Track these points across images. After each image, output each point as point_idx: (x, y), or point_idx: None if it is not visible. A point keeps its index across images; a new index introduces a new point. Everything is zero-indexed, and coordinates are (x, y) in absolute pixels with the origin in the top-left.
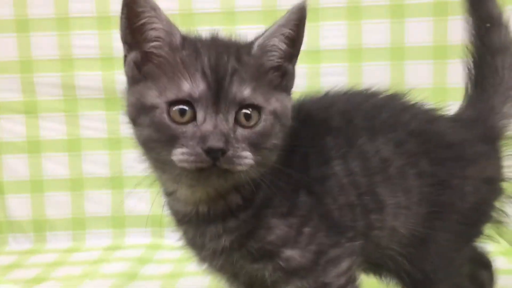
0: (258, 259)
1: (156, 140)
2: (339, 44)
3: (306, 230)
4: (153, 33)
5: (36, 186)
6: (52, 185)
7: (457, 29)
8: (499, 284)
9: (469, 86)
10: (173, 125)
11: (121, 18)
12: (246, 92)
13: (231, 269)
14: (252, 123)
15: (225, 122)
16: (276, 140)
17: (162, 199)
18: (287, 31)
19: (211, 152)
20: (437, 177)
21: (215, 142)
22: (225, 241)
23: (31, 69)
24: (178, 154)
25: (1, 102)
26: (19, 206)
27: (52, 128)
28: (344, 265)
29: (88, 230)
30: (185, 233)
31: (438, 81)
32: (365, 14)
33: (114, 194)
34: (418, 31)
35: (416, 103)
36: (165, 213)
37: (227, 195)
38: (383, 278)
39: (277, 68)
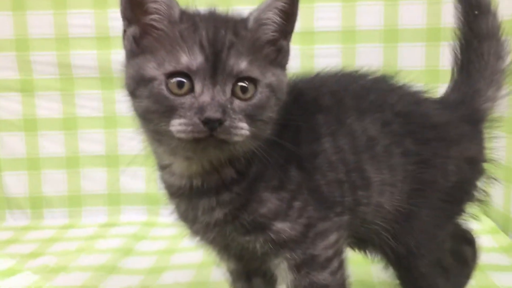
0: (250, 231)
1: (154, 112)
2: (333, 26)
3: (296, 204)
4: (153, 5)
5: (33, 163)
6: (48, 163)
7: (450, 12)
8: (484, 261)
9: (455, 70)
10: (171, 97)
11: None
12: (243, 65)
13: (223, 241)
14: (248, 95)
15: (222, 94)
16: (271, 113)
17: (156, 174)
18: (281, 4)
19: (208, 122)
20: (421, 156)
21: (213, 113)
22: (218, 213)
23: (28, 48)
24: (176, 125)
25: None
26: (16, 183)
27: (48, 106)
28: (332, 238)
29: (84, 207)
30: (178, 207)
31: (430, 63)
32: None
33: (109, 172)
34: (412, 14)
35: (404, 85)
36: (160, 189)
37: (222, 168)
38: (368, 253)
39: (273, 42)
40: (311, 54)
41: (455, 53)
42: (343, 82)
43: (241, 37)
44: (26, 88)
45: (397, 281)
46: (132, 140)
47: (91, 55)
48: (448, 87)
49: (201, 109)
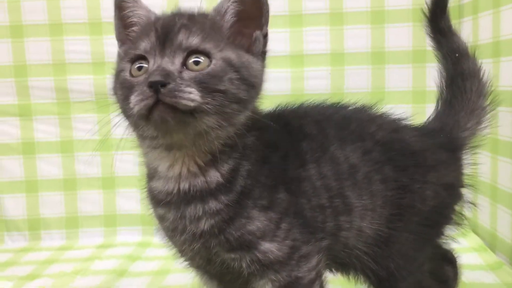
0: (235, 248)
1: (123, 99)
2: (322, 49)
3: (283, 225)
4: (135, 20)
5: (31, 186)
6: (46, 185)
7: None
8: (471, 279)
9: (439, 103)
10: (132, 79)
11: (114, 19)
12: (193, 40)
13: (206, 255)
14: (201, 66)
15: (170, 63)
16: (234, 89)
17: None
18: None
19: (152, 86)
20: (400, 182)
21: (155, 76)
22: (205, 224)
23: (26, 73)
24: (133, 101)
25: None
26: (15, 206)
27: (45, 130)
28: (314, 261)
29: (81, 229)
30: (164, 219)
31: (417, 84)
32: (347, 20)
33: (106, 194)
34: (398, 36)
35: (383, 113)
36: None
37: (206, 170)
38: (351, 277)
39: (238, 30)
40: (301, 76)
41: (440, 88)
42: (325, 112)
43: (196, 21)
44: (24, 113)
45: None
46: (127, 162)
47: (87, 80)
48: (430, 116)
49: (147, 79)
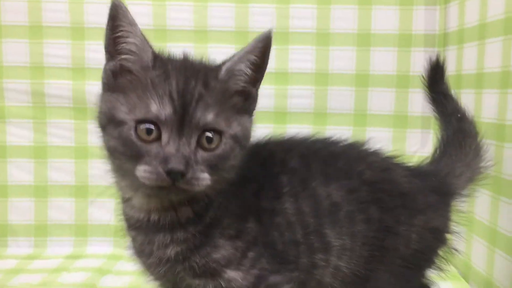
0: (200, 275)
1: (122, 153)
2: (307, 68)
3: (250, 254)
4: (126, 46)
5: (0, 191)
6: (16, 190)
7: (420, 60)
8: None
9: (438, 152)
10: (139, 143)
11: (106, 28)
12: (209, 117)
13: (172, 279)
14: (213, 146)
15: (187, 146)
16: (234, 161)
17: (119, 206)
18: (253, 57)
19: (171, 174)
20: (385, 223)
21: (176, 165)
22: (171, 251)
23: (1, 75)
24: (141, 171)
25: None
26: None
27: (19, 134)
28: None
29: (50, 237)
30: (135, 240)
31: (399, 109)
32: (333, 41)
33: (78, 203)
34: (383, 60)
35: (374, 151)
36: (119, 221)
37: (180, 207)
38: None
39: (241, 92)
40: (285, 94)
41: (441, 141)
42: (313, 147)
43: (211, 88)
44: None
45: None
46: (102, 171)
47: (66, 85)
48: (426, 161)
49: (165, 160)
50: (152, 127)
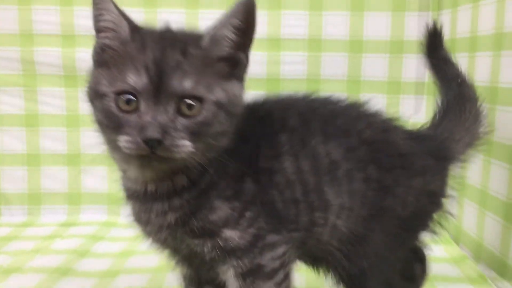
0: (199, 235)
1: (106, 125)
2: (300, 34)
3: (248, 214)
4: (102, 24)
5: None
6: (8, 159)
7: (414, 25)
8: (434, 272)
9: (437, 116)
10: (120, 114)
11: (92, 6)
12: (187, 84)
13: (173, 243)
14: (194, 111)
15: (165, 113)
16: (220, 128)
17: (118, 174)
18: (236, 21)
19: (148, 142)
20: (383, 183)
21: (151, 133)
22: (170, 218)
23: None
24: (123, 141)
25: None
26: None
27: (10, 102)
28: (280, 250)
29: (43, 206)
30: (133, 208)
31: (393, 75)
32: (326, 6)
33: (70, 171)
34: (376, 26)
35: (375, 112)
36: (119, 190)
37: (174, 176)
38: (320, 271)
39: (227, 58)
40: (278, 60)
41: (441, 106)
42: (313, 105)
43: (190, 56)
44: None
45: None
46: (94, 139)
47: (56, 52)
48: (425, 125)
49: (142, 129)
50: (130, 97)
